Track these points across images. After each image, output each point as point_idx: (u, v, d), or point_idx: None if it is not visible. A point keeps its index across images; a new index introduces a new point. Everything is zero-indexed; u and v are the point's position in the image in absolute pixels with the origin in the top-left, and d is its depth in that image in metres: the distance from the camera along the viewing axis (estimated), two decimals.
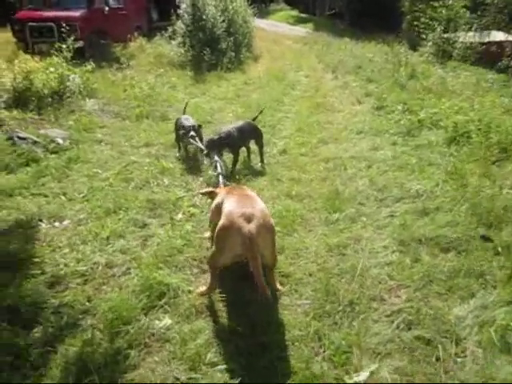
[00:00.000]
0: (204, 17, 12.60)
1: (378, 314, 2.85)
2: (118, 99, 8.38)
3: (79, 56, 9.14)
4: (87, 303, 2.86)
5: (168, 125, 7.19)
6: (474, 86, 9.93)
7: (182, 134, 5.47)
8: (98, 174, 5.06)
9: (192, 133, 5.33)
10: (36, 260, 3.26)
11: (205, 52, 12.00)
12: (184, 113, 6.06)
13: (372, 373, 2.35)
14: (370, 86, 10.35)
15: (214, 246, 2.83)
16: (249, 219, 2.67)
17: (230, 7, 14.15)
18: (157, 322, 2.69)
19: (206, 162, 5.23)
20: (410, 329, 2.71)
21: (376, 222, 4.05)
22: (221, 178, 4.31)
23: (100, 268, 3.21)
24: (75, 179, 4.87)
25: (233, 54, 13.11)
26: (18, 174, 4.85)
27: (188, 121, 5.61)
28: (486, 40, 12.59)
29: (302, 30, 24.71)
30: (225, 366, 2.38)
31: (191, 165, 5.42)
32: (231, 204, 2.89)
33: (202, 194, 3.75)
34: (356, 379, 2.30)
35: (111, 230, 3.68)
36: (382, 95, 9.18)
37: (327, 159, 5.77)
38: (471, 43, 12.58)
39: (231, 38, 13.35)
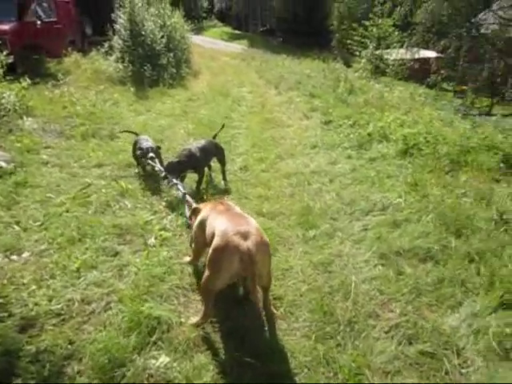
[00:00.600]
0: (143, 32, 12.32)
1: (377, 330, 2.84)
2: (59, 117, 7.87)
3: (10, 72, 8.49)
4: (69, 346, 2.55)
5: (118, 143, 6.87)
6: (410, 101, 10.57)
7: (140, 155, 5.25)
8: (51, 198, 4.65)
9: (151, 154, 5.12)
10: (0, 301, 2.89)
11: (145, 68, 11.72)
12: (134, 132, 5.93)
13: None
14: (314, 101, 10.62)
15: (207, 270, 2.66)
16: (245, 237, 2.57)
17: (168, 23, 13.97)
18: (153, 361, 2.46)
19: (164, 185, 4.99)
20: (411, 343, 2.72)
21: (352, 237, 4.09)
22: (187, 197, 4.18)
23: (76, 305, 2.91)
24: (26, 206, 4.44)
25: (174, 69, 12.93)
26: None
27: (147, 142, 5.40)
28: (416, 57, 13.47)
29: (237, 47, 24.97)
30: None
31: (152, 185, 5.16)
32: (223, 222, 2.76)
33: (190, 215, 3.59)
34: None
35: (81, 261, 3.37)
36: (328, 110, 9.47)
37: (289, 175, 5.77)
38: (402, 60, 13.40)
39: (171, 54, 13.15)
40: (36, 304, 2.89)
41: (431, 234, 4.03)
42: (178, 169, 4.82)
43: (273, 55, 20.06)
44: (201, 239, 3.11)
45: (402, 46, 13.75)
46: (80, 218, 4.18)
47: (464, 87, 13.08)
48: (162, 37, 12.90)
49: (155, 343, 2.61)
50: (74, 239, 3.74)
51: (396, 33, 14.29)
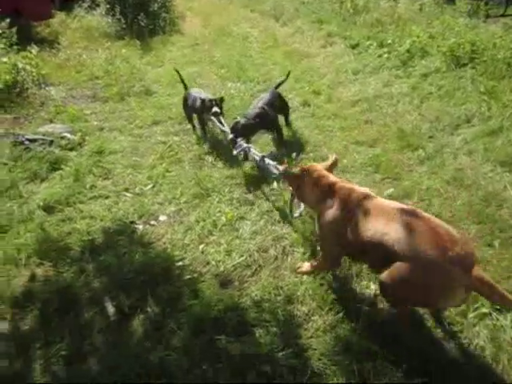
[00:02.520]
0: None
1: None
2: (80, 82, 7.53)
3: None
4: (280, 291, 2.61)
5: (159, 99, 6.61)
6: (422, 13, 10.29)
7: (200, 109, 4.69)
8: (139, 162, 4.54)
9: (215, 108, 4.50)
10: (179, 264, 2.89)
11: (139, 17, 11.05)
12: (184, 84, 5.32)
13: None
14: (325, 28, 10.26)
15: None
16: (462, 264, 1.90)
17: None
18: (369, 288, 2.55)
19: (234, 151, 4.07)
20: None
21: (459, 151, 4.14)
22: (268, 161, 3.59)
23: (256, 254, 2.93)
24: (121, 172, 4.33)
25: (166, 15, 12.25)
26: (52, 180, 4.19)
27: (202, 94, 4.84)
28: None
29: None
30: None
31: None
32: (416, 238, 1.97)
33: (287, 176, 2.87)
34: None
35: (230, 214, 3.35)
36: (345, 34, 9.22)
37: (353, 102, 5.70)
38: None
39: None
40: (219, 261, 2.90)
41: None
42: (248, 130, 4.23)
43: None
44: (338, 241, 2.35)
45: None
46: (184, 175, 4.12)
47: None
48: None
49: (357, 276, 2.68)
50: (201, 195, 3.70)
51: None
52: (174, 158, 4.54)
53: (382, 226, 2.06)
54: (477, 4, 11.05)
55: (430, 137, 4.47)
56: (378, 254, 2.05)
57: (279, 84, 5.10)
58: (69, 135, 5.08)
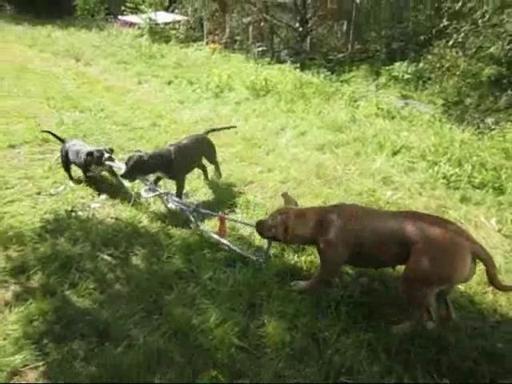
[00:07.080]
0: None
1: None
2: None
3: None
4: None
5: None
6: (211, 59, 12.61)
7: (89, 161, 4.26)
8: (29, 174, 4.85)
9: (106, 155, 4.24)
10: (142, 224, 3.68)
11: None
12: (59, 138, 4.89)
13: None
14: (131, 68, 11.40)
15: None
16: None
17: None
18: None
19: (144, 194, 4.03)
20: None
21: (287, 146, 5.98)
22: (172, 198, 3.85)
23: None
24: (18, 182, 4.60)
25: None
26: None
27: (83, 145, 4.56)
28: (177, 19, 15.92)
29: None
30: None
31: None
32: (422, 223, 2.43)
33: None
34: None
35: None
36: (155, 73, 10.66)
37: (194, 123, 7.07)
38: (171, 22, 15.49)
39: None
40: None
41: (330, 136, 6.26)
42: (142, 168, 3.87)
43: (27, 27, 18.37)
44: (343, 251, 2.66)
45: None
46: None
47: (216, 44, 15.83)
48: None
49: None
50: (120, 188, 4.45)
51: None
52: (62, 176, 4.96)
53: (393, 222, 2.53)
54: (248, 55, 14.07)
55: (265, 139, 6.21)
56: (392, 247, 2.47)
57: (208, 131, 4.88)
58: None
